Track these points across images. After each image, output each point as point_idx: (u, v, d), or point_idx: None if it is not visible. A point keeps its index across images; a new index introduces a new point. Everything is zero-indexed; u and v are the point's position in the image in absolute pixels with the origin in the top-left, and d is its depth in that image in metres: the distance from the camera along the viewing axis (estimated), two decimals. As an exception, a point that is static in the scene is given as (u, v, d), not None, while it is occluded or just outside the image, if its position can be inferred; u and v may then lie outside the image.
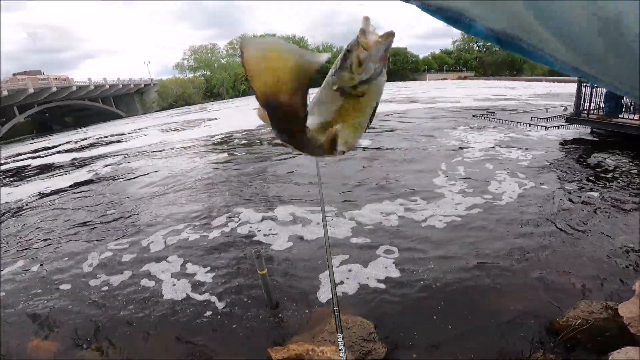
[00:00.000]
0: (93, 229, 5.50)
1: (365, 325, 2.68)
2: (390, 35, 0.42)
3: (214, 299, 3.29)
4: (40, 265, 4.45)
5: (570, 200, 4.96)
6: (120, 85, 41.00)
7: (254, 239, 4.46)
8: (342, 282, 3.28)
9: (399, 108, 18.34)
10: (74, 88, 34.93)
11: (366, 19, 0.43)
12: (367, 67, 0.43)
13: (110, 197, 7.16)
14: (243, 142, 12.39)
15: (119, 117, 40.75)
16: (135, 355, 2.72)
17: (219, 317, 3.04)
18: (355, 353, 2.44)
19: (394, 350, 2.52)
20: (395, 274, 3.39)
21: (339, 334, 1.81)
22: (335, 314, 1.90)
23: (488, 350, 2.42)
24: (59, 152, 16.39)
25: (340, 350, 1.74)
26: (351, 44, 0.43)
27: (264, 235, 4.54)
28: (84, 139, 20.30)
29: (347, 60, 0.43)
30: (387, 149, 8.88)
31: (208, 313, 3.09)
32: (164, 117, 29.90)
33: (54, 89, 32.64)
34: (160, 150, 12.51)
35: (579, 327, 2.44)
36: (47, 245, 5.09)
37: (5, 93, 28.05)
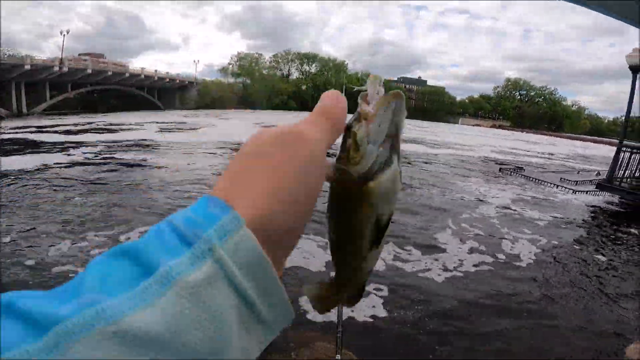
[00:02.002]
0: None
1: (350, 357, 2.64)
2: (396, 96, 0.28)
3: None
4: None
5: (579, 266, 4.77)
6: (167, 79, 43.68)
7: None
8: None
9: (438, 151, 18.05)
10: (127, 75, 37.48)
11: (373, 78, 0.30)
12: (365, 152, 0.27)
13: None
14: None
15: (158, 108, 42.79)
16: None
17: None
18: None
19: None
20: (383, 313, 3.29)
21: (337, 355, 1.86)
22: (338, 335, 1.92)
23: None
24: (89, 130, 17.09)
25: None
26: (352, 117, 0.29)
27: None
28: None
29: (345, 142, 0.29)
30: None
31: None
32: (203, 116, 31.17)
33: (110, 73, 35.07)
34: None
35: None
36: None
37: (66, 69, 30.26)
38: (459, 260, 4.51)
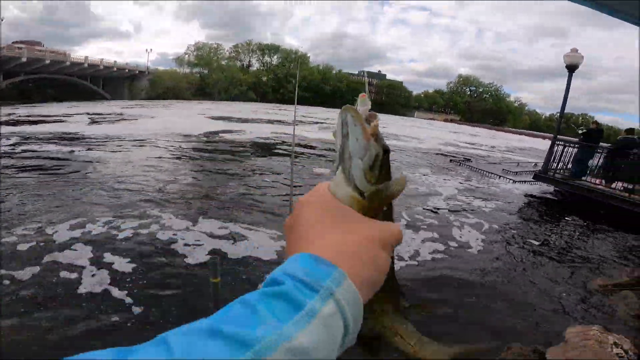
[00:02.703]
0: None
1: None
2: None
3: (165, 301, 3.18)
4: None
5: (521, 251, 5.28)
6: (115, 69, 40.95)
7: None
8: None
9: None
10: (67, 63, 34.83)
11: (362, 99, 0.38)
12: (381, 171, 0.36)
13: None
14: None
15: (103, 98, 40.01)
16: None
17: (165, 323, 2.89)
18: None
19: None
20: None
21: None
22: None
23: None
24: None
25: None
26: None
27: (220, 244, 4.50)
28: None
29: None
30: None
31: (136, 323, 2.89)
32: (152, 106, 29.38)
33: (47, 62, 32.51)
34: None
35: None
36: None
37: None
38: (414, 250, 4.78)
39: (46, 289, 3.16)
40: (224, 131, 16.33)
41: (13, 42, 40.11)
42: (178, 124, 17.43)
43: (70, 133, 12.39)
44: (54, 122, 15.59)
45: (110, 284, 3.29)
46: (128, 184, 6.57)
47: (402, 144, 18.81)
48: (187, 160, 9.61)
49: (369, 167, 0.34)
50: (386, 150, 0.35)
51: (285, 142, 14.03)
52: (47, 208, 5.04)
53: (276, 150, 12.31)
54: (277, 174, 8.48)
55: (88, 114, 20.03)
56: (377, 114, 0.37)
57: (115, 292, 3.17)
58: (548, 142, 10.38)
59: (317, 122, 25.10)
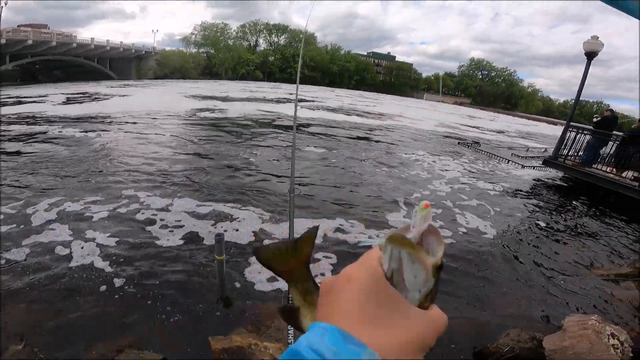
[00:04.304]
0: None
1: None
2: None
3: (161, 284, 3.21)
4: None
5: (526, 236, 5.28)
6: (121, 49, 41.15)
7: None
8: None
9: (390, 122, 18.56)
10: (74, 45, 34.97)
11: (426, 213, 0.31)
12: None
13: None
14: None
15: (110, 78, 40.16)
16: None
17: (162, 303, 2.96)
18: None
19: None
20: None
21: (290, 328, 1.77)
22: (290, 302, 1.88)
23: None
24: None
25: (289, 343, 1.73)
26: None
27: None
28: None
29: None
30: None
31: (149, 302, 2.97)
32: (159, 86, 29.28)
33: (54, 44, 32.60)
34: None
35: (506, 355, 2.62)
36: None
37: (3, 41, 27.70)
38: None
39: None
40: (200, 109, 15.86)
41: (18, 26, 40.37)
42: (150, 103, 16.91)
43: (34, 113, 12.25)
44: (30, 102, 15.57)
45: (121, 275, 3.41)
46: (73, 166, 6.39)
47: (415, 125, 18.61)
48: (146, 140, 8.98)
49: (425, 296, 0.31)
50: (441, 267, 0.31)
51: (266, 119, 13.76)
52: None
53: (259, 130, 12.08)
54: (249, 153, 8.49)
55: (65, 94, 19.56)
56: (431, 209, 0.31)
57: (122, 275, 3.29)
58: (550, 126, 10.15)
59: (304, 100, 24.91)
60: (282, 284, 3.29)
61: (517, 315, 3.25)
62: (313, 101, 26.05)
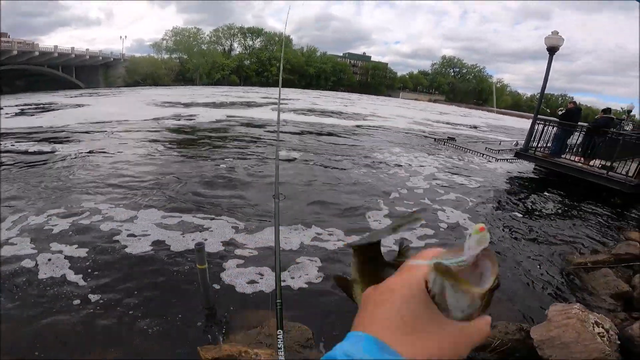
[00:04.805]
0: None
1: (303, 331, 2.71)
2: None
3: (145, 294, 3.12)
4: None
5: (502, 229, 5.46)
6: (87, 57, 39.52)
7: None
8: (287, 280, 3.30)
9: (363, 123, 18.68)
10: (36, 53, 33.39)
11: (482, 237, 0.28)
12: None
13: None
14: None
15: (77, 87, 38.47)
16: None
17: (148, 314, 2.86)
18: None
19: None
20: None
21: (279, 330, 1.73)
22: (278, 306, 1.80)
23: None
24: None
25: (279, 348, 1.67)
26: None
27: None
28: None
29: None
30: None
31: (136, 313, 2.88)
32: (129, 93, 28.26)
33: (15, 52, 31.17)
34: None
35: (498, 348, 2.65)
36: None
37: None
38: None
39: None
40: (161, 118, 14.97)
41: (-24, 37, 38.08)
42: (112, 113, 15.40)
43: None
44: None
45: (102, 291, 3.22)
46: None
47: (388, 124, 18.88)
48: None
49: (469, 315, 0.28)
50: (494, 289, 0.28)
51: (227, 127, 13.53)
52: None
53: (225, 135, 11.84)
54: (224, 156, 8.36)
55: (19, 105, 17.64)
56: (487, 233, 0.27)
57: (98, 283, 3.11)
58: (519, 120, 10.62)
59: (273, 103, 24.60)
60: (265, 287, 3.26)
61: (501, 307, 3.31)
62: (286, 104, 25.82)
